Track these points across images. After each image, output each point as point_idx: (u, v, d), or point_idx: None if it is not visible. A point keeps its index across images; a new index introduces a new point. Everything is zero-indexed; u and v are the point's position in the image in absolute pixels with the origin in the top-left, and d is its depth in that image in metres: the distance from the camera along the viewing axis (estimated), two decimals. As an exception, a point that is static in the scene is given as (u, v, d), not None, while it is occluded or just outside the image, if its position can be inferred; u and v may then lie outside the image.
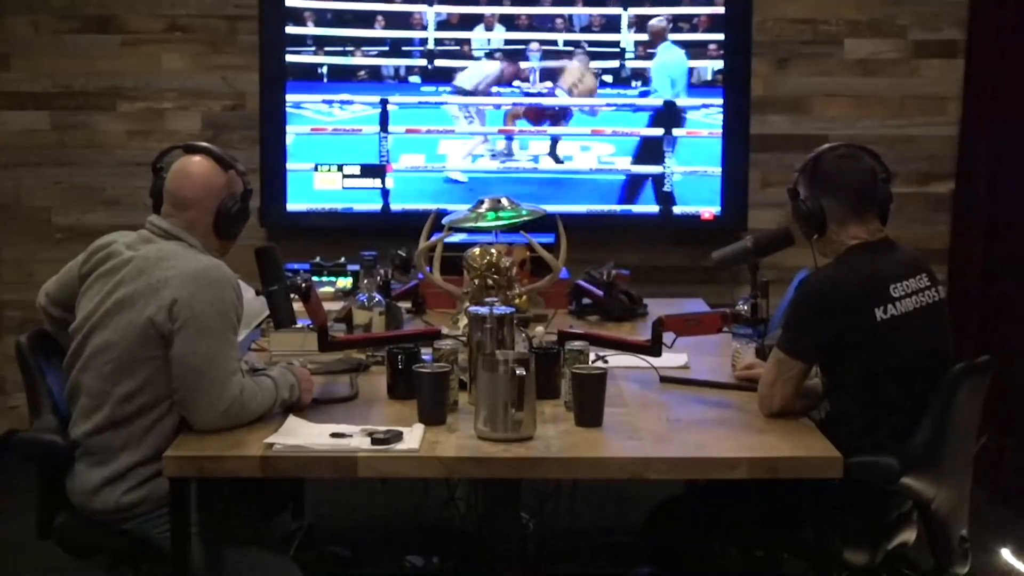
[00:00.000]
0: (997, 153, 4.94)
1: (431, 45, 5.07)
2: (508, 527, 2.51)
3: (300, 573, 2.63)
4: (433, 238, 3.28)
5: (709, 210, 4.98)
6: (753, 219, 4.91)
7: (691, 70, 5.01)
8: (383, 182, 4.98)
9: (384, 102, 5.05)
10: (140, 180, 4.96)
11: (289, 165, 4.96)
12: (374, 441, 2.38)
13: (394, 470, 2.37)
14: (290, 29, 4.93)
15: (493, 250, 3.33)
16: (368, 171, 4.98)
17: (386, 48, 5.08)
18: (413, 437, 2.41)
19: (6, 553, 3.82)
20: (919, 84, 5.02)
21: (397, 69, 5.07)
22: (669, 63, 5.05)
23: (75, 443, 2.62)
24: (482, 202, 3.43)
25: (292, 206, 4.95)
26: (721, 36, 4.95)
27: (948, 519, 2.61)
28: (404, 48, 5.07)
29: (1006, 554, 3.92)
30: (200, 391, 2.48)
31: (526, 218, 3.40)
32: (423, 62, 5.08)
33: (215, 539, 2.56)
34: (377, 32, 5.05)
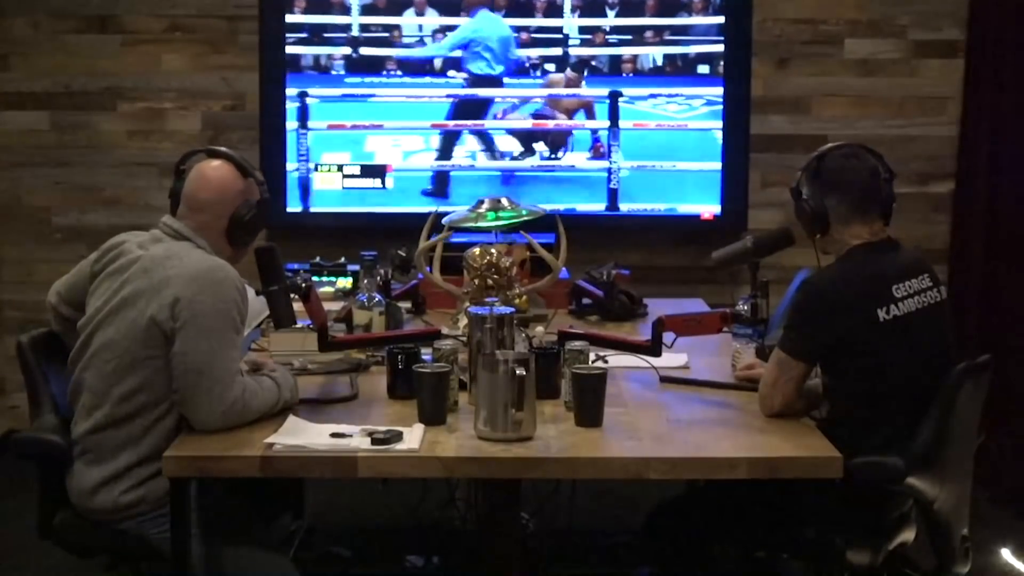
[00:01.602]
0: (997, 153, 4.94)
1: (356, 32, 4.75)
2: (508, 527, 2.51)
3: (300, 573, 2.63)
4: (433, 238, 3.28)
5: (709, 209, 4.98)
6: (753, 219, 4.91)
7: (516, 40, 4.79)
8: (383, 182, 4.97)
9: (303, 95, 4.83)
10: (140, 180, 5.00)
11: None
12: (374, 441, 2.37)
13: (394, 470, 2.37)
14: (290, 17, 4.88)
15: (493, 250, 3.34)
16: (368, 171, 4.97)
17: (304, 35, 4.78)
18: (413, 437, 2.41)
19: (6, 553, 3.82)
20: (919, 84, 5.02)
21: (317, 58, 4.79)
22: (486, 31, 4.79)
23: (74, 442, 2.62)
24: (482, 202, 3.43)
25: (291, 206, 4.96)
26: (720, 37, 4.94)
27: (950, 518, 2.62)
28: (325, 35, 4.74)
29: (1006, 554, 3.92)
30: (201, 391, 2.48)
31: (526, 218, 3.41)
32: (347, 50, 4.77)
33: (215, 539, 2.55)
34: (297, 17, 4.77)
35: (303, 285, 2.79)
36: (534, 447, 2.40)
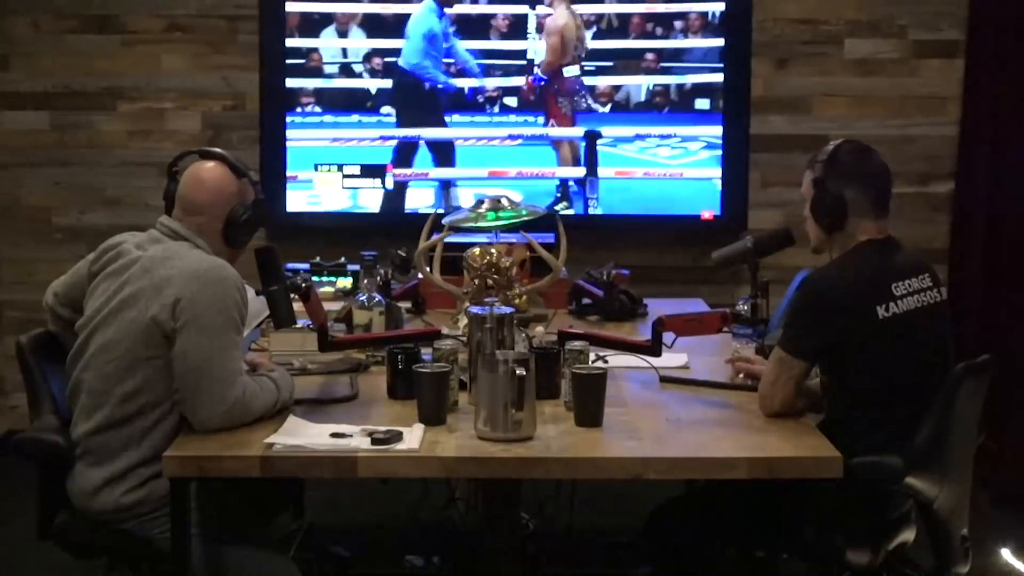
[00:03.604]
0: (997, 153, 4.94)
1: None
2: (508, 527, 2.51)
3: (300, 573, 2.63)
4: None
5: (708, 210, 4.96)
6: (753, 219, 4.90)
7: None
8: (383, 182, 4.96)
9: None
10: (140, 180, 4.99)
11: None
12: (374, 441, 2.37)
13: (394, 470, 2.37)
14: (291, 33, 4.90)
15: (493, 250, 3.33)
16: (368, 171, 4.96)
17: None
18: (413, 437, 2.41)
19: (6, 553, 3.82)
20: (919, 84, 5.02)
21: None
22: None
23: (75, 443, 2.62)
24: (482, 202, 3.43)
25: (292, 206, 4.95)
26: (721, 38, 4.93)
27: (949, 518, 2.62)
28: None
29: (1006, 554, 3.92)
30: (201, 391, 2.48)
31: (526, 218, 3.40)
32: None
33: (215, 539, 2.56)
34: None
35: (303, 285, 2.79)
36: (534, 447, 2.40)
